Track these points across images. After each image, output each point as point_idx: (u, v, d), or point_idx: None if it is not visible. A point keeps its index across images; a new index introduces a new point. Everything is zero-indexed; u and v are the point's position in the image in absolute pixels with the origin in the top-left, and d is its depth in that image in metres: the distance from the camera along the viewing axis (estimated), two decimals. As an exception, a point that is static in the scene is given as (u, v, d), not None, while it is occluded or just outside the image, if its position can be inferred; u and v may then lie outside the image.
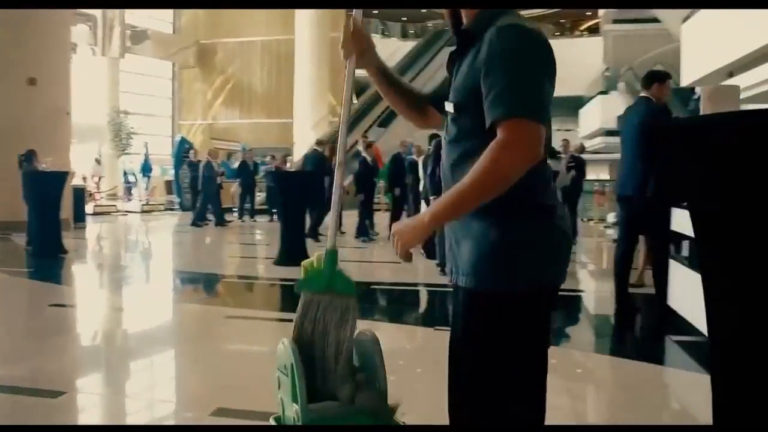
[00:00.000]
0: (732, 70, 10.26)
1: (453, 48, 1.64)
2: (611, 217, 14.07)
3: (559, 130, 19.50)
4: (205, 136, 23.94)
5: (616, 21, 17.99)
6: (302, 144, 21.22)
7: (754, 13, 8.95)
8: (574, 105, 22.68)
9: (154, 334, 4.66)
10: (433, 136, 7.61)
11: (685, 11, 11.93)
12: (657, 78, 4.63)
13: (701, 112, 1.21)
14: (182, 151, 17.27)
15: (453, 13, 1.64)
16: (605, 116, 19.07)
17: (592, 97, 20.49)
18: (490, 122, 1.41)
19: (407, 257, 1.53)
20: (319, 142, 10.49)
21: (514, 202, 1.44)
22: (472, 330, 1.53)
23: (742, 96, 10.61)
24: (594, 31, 24.67)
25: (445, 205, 1.43)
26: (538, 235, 1.47)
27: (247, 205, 14.70)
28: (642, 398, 3.35)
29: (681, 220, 4.56)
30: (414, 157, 9.85)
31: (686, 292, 4.46)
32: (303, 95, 23.32)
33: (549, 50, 1.46)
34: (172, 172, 18.77)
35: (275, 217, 14.58)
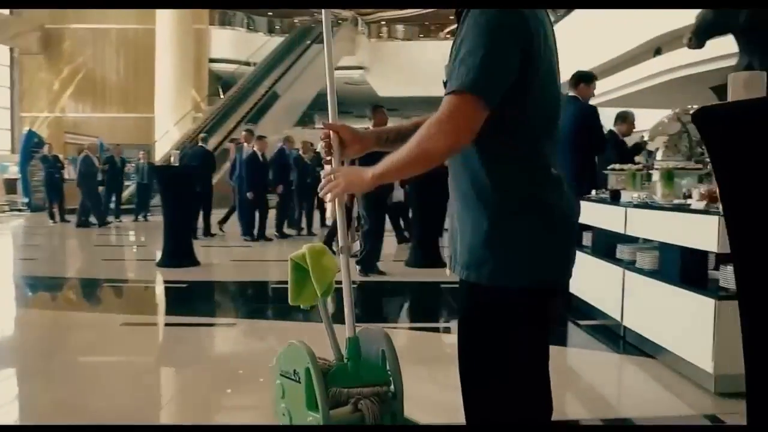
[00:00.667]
0: (596, 75, 11.16)
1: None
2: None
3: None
4: (53, 130, 21.81)
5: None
6: (166, 142, 20.07)
7: (616, 23, 9.80)
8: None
9: (58, 348, 4.06)
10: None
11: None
12: (584, 79, 4.85)
13: (729, 98, 1.24)
14: (30, 145, 15.61)
15: None
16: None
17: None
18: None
19: (338, 199, 1.60)
20: (204, 138, 9.95)
21: (512, 196, 1.42)
22: (471, 322, 1.50)
23: (602, 100, 11.61)
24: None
25: (388, 167, 1.46)
26: (537, 233, 1.43)
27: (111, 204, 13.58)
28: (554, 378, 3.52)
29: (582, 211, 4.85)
30: (300, 152, 9.67)
31: (588, 279, 4.74)
32: (164, 90, 22.07)
33: (519, 23, 1.37)
34: (14, 168, 16.91)
35: (142, 216, 13.76)
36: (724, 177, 1.49)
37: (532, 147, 1.45)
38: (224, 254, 8.69)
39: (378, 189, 1.72)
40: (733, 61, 6.25)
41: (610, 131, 6.31)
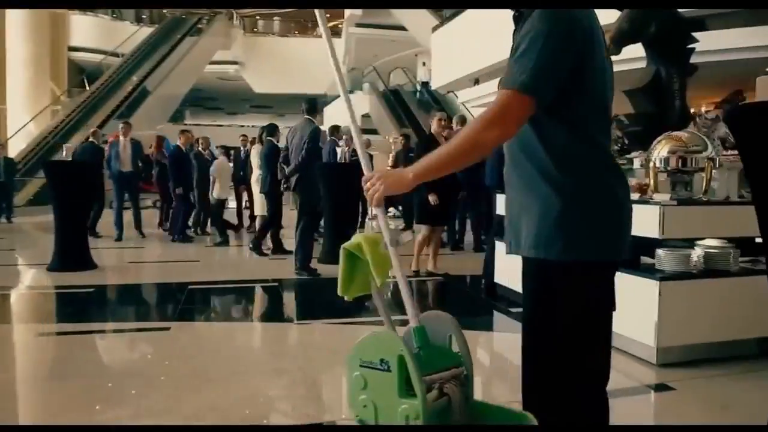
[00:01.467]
0: (478, 78, 11.70)
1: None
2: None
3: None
4: None
5: (359, 25, 19.05)
6: (21, 138, 18.28)
7: (496, 30, 10.35)
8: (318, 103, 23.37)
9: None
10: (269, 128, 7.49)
11: (434, 22, 13.22)
12: None
13: (758, 98, 1.39)
14: None
15: None
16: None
17: (337, 96, 21.36)
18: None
19: (380, 203, 1.63)
20: (94, 133, 9.21)
21: (580, 182, 1.55)
22: (542, 295, 1.63)
23: (483, 102, 12.23)
24: (334, 33, 25.76)
25: (429, 165, 1.57)
26: (602, 213, 1.58)
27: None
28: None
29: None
30: (200, 149, 9.24)
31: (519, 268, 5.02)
32: (16, 79, 20.12)
33: (574, 27, 1.50)
34: None
35: (5, 217, 12.56)
36: (755, 171, 1.72)
37: (592, 137, 1.58)
38: (116, 256, 8.12)
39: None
40: (625, 66, 6.92)
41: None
